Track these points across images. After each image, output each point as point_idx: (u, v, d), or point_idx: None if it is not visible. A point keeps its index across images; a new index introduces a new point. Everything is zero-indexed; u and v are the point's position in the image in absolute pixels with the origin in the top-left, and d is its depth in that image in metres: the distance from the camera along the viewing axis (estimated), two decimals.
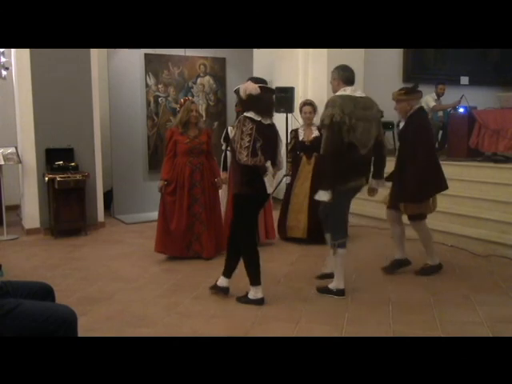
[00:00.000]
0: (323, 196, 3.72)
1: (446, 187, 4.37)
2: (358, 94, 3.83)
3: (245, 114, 3.59)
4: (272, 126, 3.70)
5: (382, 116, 3.96)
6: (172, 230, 4.86)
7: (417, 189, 4.12)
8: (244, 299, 3.75)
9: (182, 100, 5.09)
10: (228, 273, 3.84)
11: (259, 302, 3.71)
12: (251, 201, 3.66)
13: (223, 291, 3.86)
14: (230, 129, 5.32)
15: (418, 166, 4.11)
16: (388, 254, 5.03)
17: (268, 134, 3.61)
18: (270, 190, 3.61)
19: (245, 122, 3.53)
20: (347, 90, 3.79)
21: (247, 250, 3.72)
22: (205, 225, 4.91)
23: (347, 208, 3.95)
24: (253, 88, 3.54)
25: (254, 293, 3.72)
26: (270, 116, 3.68)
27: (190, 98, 5.18)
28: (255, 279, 3.71)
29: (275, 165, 3.69)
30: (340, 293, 3.90)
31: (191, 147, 4.86)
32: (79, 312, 2.34)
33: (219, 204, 5.15)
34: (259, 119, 3.57)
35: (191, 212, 4.88)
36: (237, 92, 3.67)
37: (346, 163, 3.69)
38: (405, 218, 4.46)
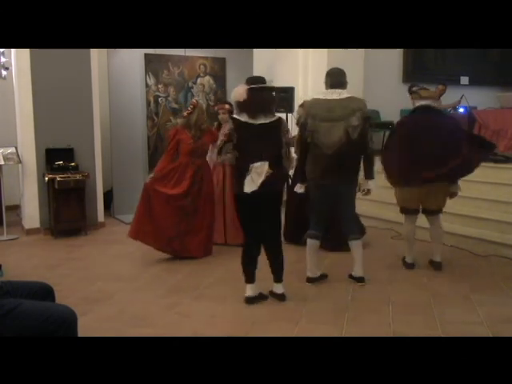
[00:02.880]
0: (297, 188, 4.19)
1: (413, 185, 4.36)
2: (334, 96, 3.96)
3: (234, 115, 3.69)
4: (266, 125, 3.61)
5: (366, 115, 3.95)
6: (155, 215, 4.76)
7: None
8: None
9: (194, 101, 5.05)
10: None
11: (246, 300, 3.76)
12: (238, 199, 3.69)
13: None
14: None
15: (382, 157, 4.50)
16: (387, 254, 5.04)
17: (258, 134, 3.57)
18: (246, 188, 3.53)
19: (228, 122, 3.70)
20: (320, 94, 4.05)
21: (243, 248, 3.79)
22: (192, 224, 4.87)
23: (321, 203, 4.09)
24: (239, 95, 3.56)
25: (247, 290, 3.79)
26: (265, 115, 3.61)
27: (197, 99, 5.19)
28: (245, 277, 3.80)
29: (278, 164, 3.61)
30: (309, 280, 4.19)
31: (194, 148, 4.86)
32: (79, 312, 2.34)
33: (213, 207, 5.07)
34: (245, 120, 3.58)
35: (180, 205, 4.82)
36: None
37: (311, 161, 4.01)
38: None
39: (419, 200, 4.44)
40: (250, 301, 3.76)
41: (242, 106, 3.59)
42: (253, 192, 3.52)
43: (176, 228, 4.84)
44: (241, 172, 3.57)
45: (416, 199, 4.43)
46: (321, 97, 4.01)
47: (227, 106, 5.40)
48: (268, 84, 3.77)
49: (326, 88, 4.06)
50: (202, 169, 4.92)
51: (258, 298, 3.80)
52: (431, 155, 4.31)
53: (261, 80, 3.71)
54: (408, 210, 4.52)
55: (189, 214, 4.88)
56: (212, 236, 5.12)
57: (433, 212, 4.51)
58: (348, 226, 4.13)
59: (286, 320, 3.48)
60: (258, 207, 3.64)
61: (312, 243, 4.14)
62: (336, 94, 3.95)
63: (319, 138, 3.89)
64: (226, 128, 3.67)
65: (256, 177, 3.52)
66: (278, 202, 3.76)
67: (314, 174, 4.01)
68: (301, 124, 3.98)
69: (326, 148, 3.89)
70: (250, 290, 3.78)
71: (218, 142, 3.70)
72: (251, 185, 3.52)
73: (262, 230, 3.72)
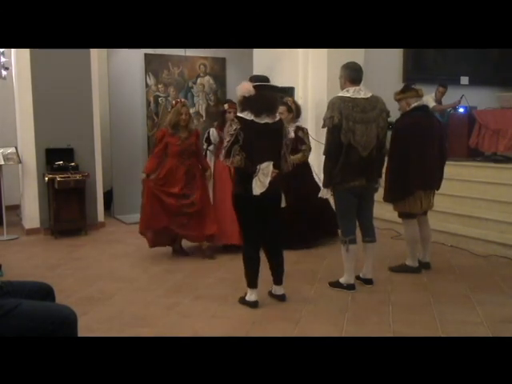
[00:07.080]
0: (324, 193, 3.99)
1: (430, 187, 4.40)
2: (362, 94, 3.86)
3: (238, 113, 3.60)
4: (270, 125, 3.54)
5: (389, 116, 3.99)
6: (161, 211, 4.82)
7: (390, 189, 4.32)
8: (241, 300, 3.77)
9: (173, 101, 5.14)
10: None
11: (251, 304, 3.69)
12: (242, 200, 3.61)
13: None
14: (212, 130, 5.21)
15: (391, 166, 4.29)
16: (387, 254, 5.04)
17: (263, 134, 3.50)
18: (256, 191, 3.47)
19: (232, 122, 3.55)
20: (349, 91, 3.86)
21: (244, 251, 3.73)
22: (191, 216, 4.89)
23: (352, 206, 3.99)
24: (245, 90, 3.50)
25: (249, 295, 3.72)
26: (269, 114, 3.53)
27: (183, 99, 5.26)
28: (248, 281, 3.71)
29: (278, 165, 3.57)
30: (350, 287, 4.03)
31: (183, 149, 4.86)
32: (79, 312, 2.34)
33: (208, 199, 5.11)
34: (251, 118, 3.49)
35: (179, 204, 4.85)
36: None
37: (345, 164, 3.82)
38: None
39: (421, 202, 4.40)
40: (255, 305, 3.69)
41: (248, 103, 3.51)
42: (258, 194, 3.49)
43: (176, 220, 4.87)
44: (247, 173, 3.50)
45: (421, 202, 4.39)
46: (347, 95, 3.83)
47: None
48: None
49: (344, 83, 3.91)
50: (193, 168, 4.94)
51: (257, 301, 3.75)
52: (437, 155, 4.35)
53: (266, 79, 3.69)
54: (414, 215, 4.45)
55: (190, 214, 4.88)
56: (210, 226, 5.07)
57: (426, 212, 4.55)
58: (368, 226, 4.15)
59: (286, 320, 3.47)
60: (262, 208, 3.59)
61: (354, 248, 4.01)
62: (362, 93, 3.86)
63: (356, 140, 3.78)
64: (232, 128, 3.51)
65: (263, 178, 3.47)
66: (280, 202, 3.72)
67: (345, 177, 3.84)
68: (334, 125, 3.76)
69: (363, 149, 3.80)
70: (254, 295, 3.71)
71: (224, 143, 3.56)
72: (260, 186, 3.47)
73: (264, 231, 3.69)
